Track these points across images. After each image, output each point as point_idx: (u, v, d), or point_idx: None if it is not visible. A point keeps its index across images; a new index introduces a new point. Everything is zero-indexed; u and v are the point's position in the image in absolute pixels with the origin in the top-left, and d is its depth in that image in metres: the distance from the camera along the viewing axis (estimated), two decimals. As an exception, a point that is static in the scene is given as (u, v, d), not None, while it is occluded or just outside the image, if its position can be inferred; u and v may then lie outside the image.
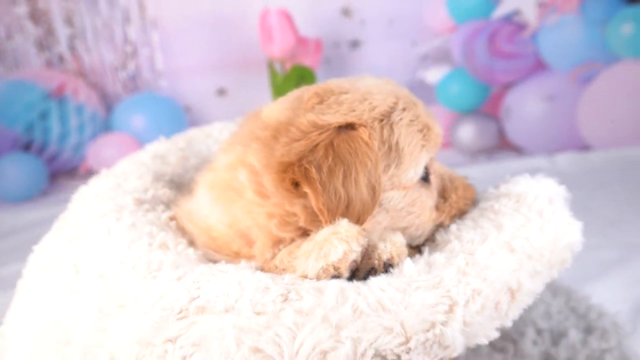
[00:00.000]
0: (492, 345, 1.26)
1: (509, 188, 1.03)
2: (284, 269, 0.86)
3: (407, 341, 0.74)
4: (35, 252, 1.06)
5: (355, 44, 2.82)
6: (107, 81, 2.89)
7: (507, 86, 2.78)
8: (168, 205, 1.12)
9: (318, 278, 0.80)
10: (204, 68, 2.86)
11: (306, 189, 0.83)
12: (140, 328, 0.77)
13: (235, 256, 0.93)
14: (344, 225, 0.81)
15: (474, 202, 1.03)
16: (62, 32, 2.81)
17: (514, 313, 0.83)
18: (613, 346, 1.24)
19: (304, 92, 0.94)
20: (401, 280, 0.79)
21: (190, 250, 0.94)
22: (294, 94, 0.96)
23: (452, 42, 2.78)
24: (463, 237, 0.90)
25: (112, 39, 2.84)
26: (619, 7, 2.59)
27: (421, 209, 0.95)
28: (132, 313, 0.80)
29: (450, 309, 0.76)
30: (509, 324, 0.83)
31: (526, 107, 2.71)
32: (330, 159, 0.83)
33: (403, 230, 0.94)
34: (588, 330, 1.30)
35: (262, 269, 0.88)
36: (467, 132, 2.78)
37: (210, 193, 0.96)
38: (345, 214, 0.83)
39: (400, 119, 0.90)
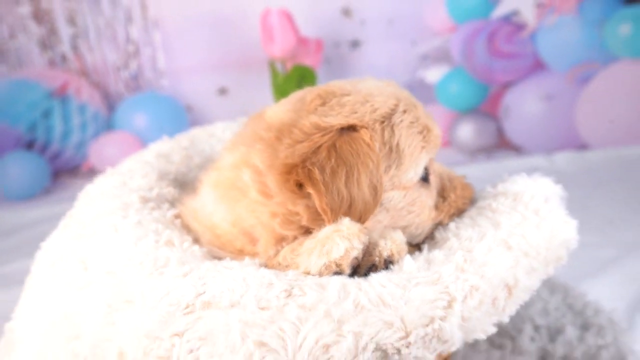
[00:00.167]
0: (491, 341, 1.28)
1: (506, 187, 1.04)
2: (287, 266, 0.87)
3: (407, 335, 0.75)
4: (43, 248, 1.07)
5: (355, 44, 2.83)
6: (110, 80, 2.90)
7: (506, 86, 2.79)
8: (173, 203, 1.13)
9: (320, 274, 0.82)
10: (205, 67, 2.87)
11: (310, 189, 0.84)
12: (148, 322, 0.79)
13: (238, 253, 0.94)
14: (345, 223, 0.83)
15: (472, 201, 1.05)
16: (64, 31, 2.82)
17: (511, 309, 0.85)
18: (609, 342, 1.25)
19: (307, 94, 0.95)
20: (401, 277, 0.80)
21: (196, 247, 0.96)
22: (296, 96, 0.97)
23: (452, 42, 2.78)
24: (461, 234, 0.92)
25: (115, 39, 2.85)
26: (617, 8, 2.60)
27: (421, 208, 0.97)
28: (140, 308, 0.81)
29: (449, 305, 0.78)
30: (505, 319, 0.85)
31: (525, 106, 2.73)
32: (333, 160, 0.84)
33: (403, 229, 0.95)
34: (585, 327, 1.31)
35: (266, 266, 0.90)
36: (467, 131, 2.79)
37: (215, 192, 0.97)
38: (347, 214, 0.84)
39: (401, 121, 0.92)
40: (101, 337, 0.83)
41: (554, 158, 2.65)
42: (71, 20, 2.81)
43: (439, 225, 1.01)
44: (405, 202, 0.94)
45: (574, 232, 0.96)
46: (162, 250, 0.91)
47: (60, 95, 2.74)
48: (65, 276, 0.95)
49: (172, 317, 0.79)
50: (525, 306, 1.35)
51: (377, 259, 0.84)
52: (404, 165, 0.92)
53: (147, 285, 0.84)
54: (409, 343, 0.75)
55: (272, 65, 2.53)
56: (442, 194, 1.02)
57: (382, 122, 0.91)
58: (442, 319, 0.77)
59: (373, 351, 0.74)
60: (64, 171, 2.88)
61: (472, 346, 1.26)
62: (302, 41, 2.48)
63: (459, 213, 1.03)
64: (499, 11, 2.72)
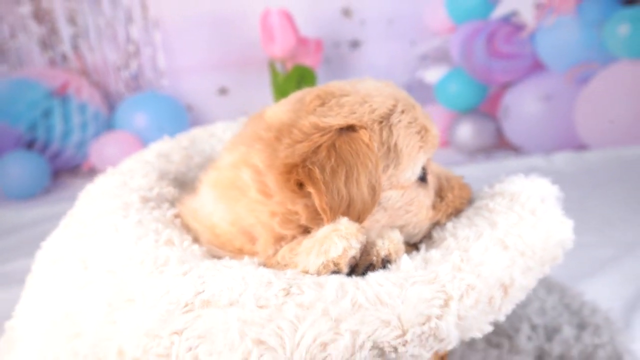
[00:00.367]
0: (488, 340, 1.29)
1: (503, 187, 1.05)
2: (285, 265, 0.88)
3: (404, 334, 0.76)
4: (43, 248, 1.08)
5: (355, 44, 2.84)
6: (110, 80, 2.91)
7: (505, 86, 2.79)
8: (173, 203, 1.14)
9: (318, 273, 0.83)
10: (206, 67, 2.87)
11: (310, 189, 0.85)
12: (147, 321, 0.80)
13: (238, 253, 0.95)
14: (343, 223, 0.84)
15: (469, 201, 1.06)
16: (65, 31, 2.83)
17: (507, 308, 0.86)
18: (605, 342, 1.26)
19: (306, 94, 0.96)
20: (398, 276, 0.81)
21: (195, 246, 0.96)
22: (296, 96, 0.98)
23: (451, 42, 2.79)
24: (458, 234, 0.93)
25: (115, 39, 2.85)
26: (616, 8, 2.60)
27: (418, 207, 0.97)
28: (140, 307, 0.82)
29: (446, 303, 0.79)
30: (502, 318, 0.85)
31: (524, 106, 2.73)
32: (332, 160, 0.85)
33: (401, 228, 0.96)
34: (581, 326, 1.32)
35: (264, 265, 0.90)
36: (466, 131, 2.80)
37: (214, 191, 0.98)
38: (346, 213, 0.85)
39: (399, 121, 0.93)
40: (101, 335, 0.83)
41: (553, 158, 2.65)
42: (72, 20, 2.82)
43: (436, 224, 1.02)
44: (403, 201, 0.95)
45: (569, 232, 0.97)
46: (162, 250, 0.92)
47: (61, 94, 2.75)
48: (66, 275, 0.95)
49: (171, 315, 0.79)
50: (523, 305, 1.36)
51: (374, 258, 0.85)
52: (402, 165, 0.92)
53: (147, 284, 0.85)
54: (406, 341, 0.76)
55: (272, 65, 2.53)
56: (439, 194, 1.02)
57: (381, 122, 0.92)
58: (439, 317, 0.77)
59: (370, 349, 0.75)
60: (64, 171, 2.88)
61: (470, 345, 1.27)
62: (302, 41, 2.48)
63: (457, 213, 1.03)
64: (498, 12, 2.72)
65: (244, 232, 0.95)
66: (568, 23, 2.64)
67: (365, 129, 0.89)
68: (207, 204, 0.99)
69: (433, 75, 2.85)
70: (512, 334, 1.30)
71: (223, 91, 2.91)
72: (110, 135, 2.80)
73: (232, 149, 0.98)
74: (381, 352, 0.75)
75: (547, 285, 1.45)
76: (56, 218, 1.16)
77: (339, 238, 0.82)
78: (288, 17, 2.41)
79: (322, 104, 0.92)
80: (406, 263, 0.84)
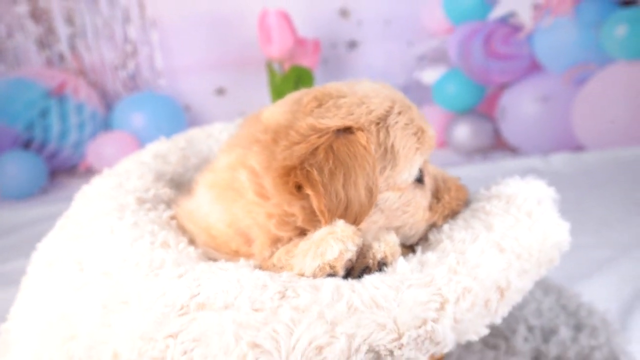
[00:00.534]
0: (484, 342, 1.29)
1: (499, 189, 1.05)
2: (281, 267, 0.88)
3: (400, 337, 0.76)
4: (39, 249, 1.08)
5: (352, 45, 2.84)
6: (107, 80, 2.90)
7: (503, 87, 2.79)
8: (169, 204, 1.14)
9: (314, 276, 0.83)
10: (203, 67, 2.87)
11: (308, 191, 0.85)
12: (143, 324, 0.79)
13: (234, 254, 0.95)
14: (340, 225, 0.84)
15: (465, 203, 1.06)
16: (62, 31, 2.82)
17: (503, 310, 0.86)
18: (602, 343, 1.26)
19: (303, 95, 0.96)
20: (394, 278, 0.81)
21: (191, 248, 0.96)
22: (293, 97, 0.98)
23: (449, 43, 2.79)
24: (454, 236, 0.93)
25: (112, 38, 2.85)
26: (613, 10, 2.61)
27: (415, 209, 0.97)
28: (135, 309, 0.82)
29: (442, 306, 0.79)
30: (498, 321, 0.85)
31: (521, 107, 2.73)
32: (330, 162, 0.85)
33: (397, 230, 0.96)
34: (578, 328, 1.32)
35: (260, 267, 0.90)
36: (463, 132, 2.80)
37: (211, 193, 0.98)
38: (343, 215, 0.85)
39: (396, 123, 0.93)
40: (96, 338, 0.83)
41: (550, 159, 2.65)
42: (69, 20, 2.81)
43: (433, 226, 1.02)
44: (400, 202, 0.95)
45: (566, 234, 0.97)
46: (158, 252, 0.92)
47: (58, 94, 2.74)
48: (61, 277, 0.95)
49: (166, 318, 0.79)
50: (519, 307, 1.36)
51: (370, 261, 0.85)
52: (399, 167, 0.93)
53: (142, 287, 0.85)
54: (402, 345, 0.76)
55: (269, 65, 2.53)
56: (436, 195, 1.02)
57: (378, 123, 0.92)
58: (435, 320, 0.77)
59: (366, 353, 0.75)
60: (61, 170, 2.88)
61: (466, 347, 1.27)
62: (299, 42, 2.48)
63: (453, 215, 1.03)
64: (496, 13, 2.72)
65: (240, 234, 0.95)
66: (565, 24, 2.64)
67: (363, 130, 0.89)
68: (204, 206, 0.99)
69: (430, 75, 2.85)
70: (509, 335, 1.30)
71: (220, 91, 2.91)
72: (108, 135, 2.80)
73: (229, 151, 0.98)
74: (377, 356, 0.75)
75: (543, 286, 1.45)
76: (53, 218, 1.16)
77: (335, 241, 0.82)
78: (286, 18, 2.41)
79: (320, 105, 0.92)
80: (402, 266, 0.84)
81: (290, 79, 2.42)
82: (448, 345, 0.79)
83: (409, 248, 0.98)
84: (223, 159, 0.98)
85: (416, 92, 2.80)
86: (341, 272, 0.83)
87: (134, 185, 1.17)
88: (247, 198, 0.92)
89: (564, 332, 1.29)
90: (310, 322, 0.76)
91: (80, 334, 0.85)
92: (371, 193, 0.87)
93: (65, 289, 0.93)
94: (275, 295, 0.79)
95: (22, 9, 2.78)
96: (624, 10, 2.61)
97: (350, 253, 0.83)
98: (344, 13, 2.80)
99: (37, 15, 2.78)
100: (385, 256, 0.86)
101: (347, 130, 0.89)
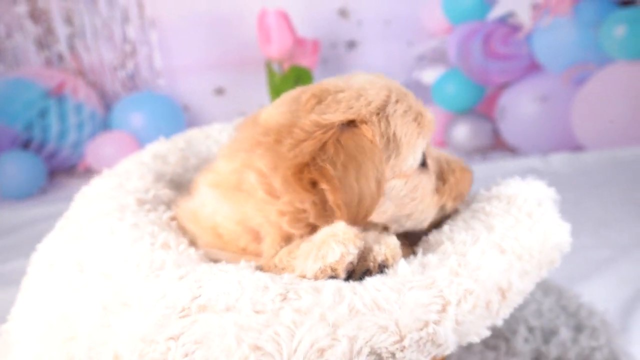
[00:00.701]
0: (485, 343, 1.29)
1: (499, 190, 1.05)
2: (282, 268, 0.88)
3: (402, 339, 0.76)
4: (39, 250, 1.08)
5: (352, 45, 2.84)
6: (106, 80, 2.90)
7: (502, 87, 2.80)
8: (169, 205, 1.14)
9: (316, 278, 0.83)
10: (202, 67, 2.87)
11: (324, 186, 0.86)
12: (143, 325, 0.79)
13: (242, 252, 0.96)
14: (341, 227, 0.84)
15: (471, 184, 1.07)
16: (61, 31, 2.82)
17: (505, 312, 0.86)
18: (602, 344, 1.26)
19: (301, 94, 0.96)
20: (396, 281, 0.81)
21: (192, 250, 0.96)
22: (289, 96, 0.98)
23: (448, 43, 2.79)
24: (455, 238, 0.93)
25: (111, 38, 2.84)
26: (612, 10, 2.61)
27: (423, 194, 0.98)
28: (136, 311, 0.82)
29: (443, 308, 0.79)
30: (499, 323, 0.85)
31: (520, 107, 2.73)
32: (341, 156, 0.86)
33: (408, 217, 0.98)
34: (578, 329, 1.32)
35: (261, 268, 0.91)
36: (462, 131, 2.80)
37: (215, 192, 0.98)
38: (357, 208, 0.86)
39: (395, 111, 0.94)
40: (97, 339, 0.83)
41: (549, 159, 2.66)
42: (68, 20, 2.81)
43: (443, 212, 1.03)
44: (407, 189, 0.96)
45: (567, 235, 0.97)
46: (158, 253, 0.92)
47: (57, 94, 2.74)
48: (61, 278, 0.95)
49: (167, 320, 0.79)
50: (519, 308, 1.36)
51: (371, 264, 0.85)
52: (403, 154, 0.93)
53: (143, 288, 0.85)
54: (404, 347, 0.76)
55: (268, 65, 2.53)
56: (441, 178, 1.03)
57: (378, 114, 0.92)
58: (436, 322, 0.77)
59: (368, 355, 0.75)
60: (60, 171, 2.87)
61: (467, 348, 1.27)
62: (299, 42, 2.48)
63: (462, 197, 1.05)
64: (495, 13, 2.72)
65: (249, 231, 0.95)
66: (564, 24, 2.64)
67: (367, 123, 0.90)
68: (208, 204, 0.99)
69: (430, 75, 2.85)
70: (509, 336, 1.30)
71: (220, 91, 2.90)
72: (107, 135, 2.80)
73: (231, 156, 0.98)
74: (379, 358, 0.76)
75: (544, 287, 1.45)
76: (52, 218, 1.16)
77: (337, 243, 0.82)
78: (285, 18, 2.41)
79: (319, 102, 0.93)
80: (403, 268, 0.84)
81: (290, 79, 2.42)
82: (450, 347, 0.79)
83: (409, 250, 0.98)
84: (226, 164, 0.98)
85: (415, 92, 2.75)
86: (342, 275, 0.83)
87: (134, 185, 1.17)
88: (257, 197, 0.92)
89: (565, 333, 1.29)
90: (312, 324, 0.76)
91: (81, 335, 0.85)
92: (379, 184, 0.89)
93: (65, 290, 0.93)
94: (277, 297, 0.79)
95: (21, 9, 2.77)
96: (623, 10, 2.61)
97: (352, 256, 0.83)
98: (343, 13, 2.79)
99: (36, 15, 2.78)
100: (386, 259, 0.86)
101: (351, 123, 0.90)
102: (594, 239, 1.88)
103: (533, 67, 2.74)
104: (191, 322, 0.78)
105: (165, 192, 1.18)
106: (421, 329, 0.77)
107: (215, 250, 0.97)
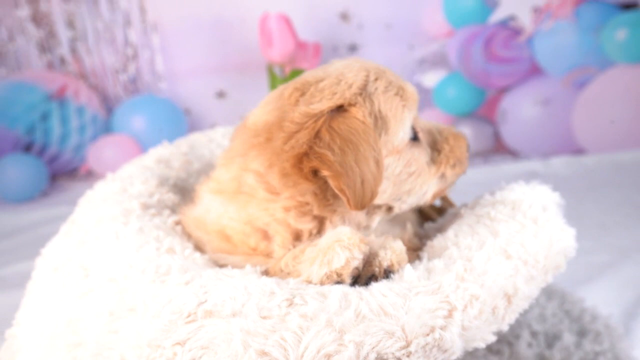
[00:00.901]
0: (488, 347, 1.28)
1: (504, 195, 1.06)
2: (288, 273, 0.88)
3: (408, 345, 0.76)
4: (44, 254, 1.08)
5: (353, 48, 2.84)
6: (108, 83, 2.91)
7: (503, 90, 2.80)
8: (173, 209, 1.14)
9: (322, 283, 0.83)
10: (204, 71, 2.87)
11: (325, 172, 0.86)
12: (150, 331, 0.79)
13: (252, 253, 0.96)
14: (346, 232, 0.84)
15: (468, 148, 1.07)
16: (63, 34, 2.82)
17: (511, 317, 0.86)
18: (606, 349, 1.26)
19: (283, 90, 0.97)
20: (402, 286, 0.81)
21: (197, 254, 0.96)
22: (272, 96, 0.99)
23: (449, 47, 2.80)
24: (460, 243, 0.93)
25: (113, 42, 2.85)
26: (613, 13, 2.62)
27: (418, 167, 0.99)
28: (142, 316, 0.82)
29: (449, 314, 0.79)
30: (505, 328, 0.85)
31: (521, 111, 2.74)
32: (337, 140, 0.87)
33: (408, 193, 0.98)
34: (582, 333, 1.32)
35: (267, 273, 0.91)
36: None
37: (219, 197, 0.99)
38: (361, 191, 0.87)
39: (376, 89, 0.95)
40: (103, 344, 0.83)
41: (550, 162, 2.66)
42: (70, 24, 2.81)
43: (443, 183, 1.03)
44: (402, 165, 0.96)
45: (572, 240, 0.97)
46: (164, 258, 0.92)
47: (59, 97, 2.74)
48: (66, 283, 0.95)
49: (174, 325, 0.79)
50: (523, 312, 1.35)
51: (377, 269, 0.85)
52: (391, 129, 0.94)
53: (149, 293, 0.85)
54: (410, 352, 0.76)
55: (270, 69, 2.53)
56: (435, 148, 1.03)
57: (360, 94, 0.93)
58: (443, 328, 0.77)
59: (374, 360, 0.75)
60: (62, 174, 2.88)
61: (470, 353, 1.26)
62: (300, 45, 2.48)
63: (460, 164, 1.05)
64: (496, 16, 2.73)
65: (258, 230, 0.96)
66: (566, 28, 2.65)
67: (355, 105, 0.91)
68: (213, 210, 1.00)
69: (431, 79, 2.86)
70: (513, 341, 1.30)
71: (221, 95, 2.91)
72: (108, 138, 2.80)
73: (228, 163, 0.99)
74: (385, 364, 0.75)
75: (547, 291, 1.45)
76: (54, 221, 1.15)
77: (342, 249, 0.83)
78: (287, 22, 2.42)
79: (303, 94, 0.94)
80: (409, 273, 0.84)
81: (291, 82, 2.42)
82: (456, 352, 0.79)
83: (415, 254, 0.98)
84: (224, 171, 0.99)
85: (417, 95, 2.80)
86: (348, 280, 0.84)
87: (138, 190, 1.16)
88: (259, 197, 0.93)
89: (568, 338, 1.29)
90: (319, 329, 0.75)
91: (87, 340, 0.85)
92: (378, 163, 0.89)
93: (71, 294, 0.93)
94: (283, 303, 0.79)
95: (24, 12, 2.78)
96: (624, 14, 2.62)
97: (357, 261, 0.84)
98: (344, 17, 2.80)
99: (38, 19, 2.78)
100: (392, 264, 0.86)
101: (340, 108, 0.91)
102: (595, 242, 1.88)
103: (534, 71, 2.74)
104: (197, 328, 0.78)
105: (169, 197, 1.18)
106: (427, 335, 0.77)
107: (223, 255, 0.97)
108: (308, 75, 0.98)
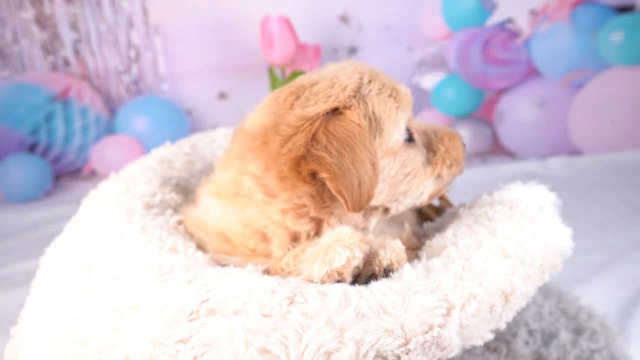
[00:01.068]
0: (486, 345, 1.29)
1: (502, 195, 1.07)
2: (289, 272, 0.89)
3: (407, 343, 0.76)
4: (48, 253, 1.09)
5: (352, 50, 2.85)
6: (111, 84, 2.92)
7: (501, 92, 2.81)
8: (176, 209, 1.15)
9: (322, 282, 0.84)
10: (205, 72, 2.88)
11: (323, 174, 0.87)
12: (153, 329, 0.80)
13: (251, 254, 0.97)
14: (346, 232, 0.85)
15: (463, 147, 1.07)
16: (67, 36, 2.83)
17: (508, 315, 0.87)
18: (602, 346, 1.27)
19: (278, 94, 0.98)
20: (401, 285, 0.82)
21: (199, 253, 0.97)
22: (268, 100, 1.00)
23: (447, 49, 2.81)
24: (459, 242, 0.94)
25: (116, 44, 2.86)
26: (610, 16, 2.63)
27: (414, 169, 0.99)
28: (145, 314, 0.83)
29: (448, 312, 0.80)
30: (503, 326, 0.86)
31: (519, 112, 2.75)
32: (334, 143, 0.87)
33: (404, 194, 0.99)
34: (578, 331, 1.33)
35: (268, 272, 0.92)
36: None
37: (219, 199, 0.99)
38: (358, 193, 0.87)
39: (370, 91, 0.95)
40: (107, 342, 0.84)
41: (547, 163, 2.68)
42: (73, 26, 2.82)
43: (440, 180, 1.03)
44: (397, 166, 0.97)
45: (568, 239, 0.98)
46: (167, 257, 0.93)
47: (62, 99, 2.75)
48: (71, 281, 0.96)
49: (176, 323, 0.80)
50: (520, 311, 1.36)
51: (377, 268, 0.86)
52: (386, 131, 0.95)
53: (152, 292, 0.86)
54: (409, 350, 0.76)
55: (271, 71, 2.54)
56: (430, 148, 1.04)
57: (354, 97, 0.94)
58: (441, 326, 0.78)
59: (374, 358, 0.75)
60: (65, 174, 2.89)
61: (468, 350, 1.28)
62: (301, 47, 2.50)
63: (457, 164, 1.05)
64: (494, 19, 2.74)
65: (256, 232, 0.96)
66: (562, 30, 2.66)
67: (350, 108, 0.91)
68: (212, 212, 1.01)
69: (430, 81, 2.87)
70: (510, 339, 1.31)
71: (222, 96, 2.92)
72: (111, 138, 2.81)
73: (226, 167, 1.00)
74: (385, 361, 0.76)
75: (544, 290, 1.46)
76: (58, 221, 1.16)
77: (343, 248, 0.83)
78: (287, 24, 2.43)
79: (298, 98, 0.95)
80: (409, 272, 0.85)
81: (291, 84, 2.43)
82: (454, 350, 0.80)
83: (414, 253, 0.99)
84: (223, 174, 1.00)
85: (415, 97, 2.78)
86: (348, 279, 0.85)
87: (141, 190, 1.17)
88: (257, 199, 0.94)
89: (564, 336, 1.30)
90: (319, 327, 0.76)
91: (91, 338, 0.86)
92: (374, 165, 0.90)
93: (75, 293, 0.94)
94: (284, 301, 0.80)
95: (28, 14, 2.79)
96: (620, 17, 2.63)
97: (358, 260, 0.84)
98: (344, 19, 2.81)
99: (42, 21, 2.79)
100: (391, 263, 0.87)
101: (335, 111, 0.91)
102: (591, 241, 1.89)
103: (531, 73, 2.76)
104: (200, 325, 0.79)
105: (172, 196, 1.19)
106: (426, 332, 0.77)
107: (224, 255, 0.98)
108: (302, 79, 0.99)
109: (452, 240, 0.96)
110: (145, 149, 2.66)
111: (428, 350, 0.77)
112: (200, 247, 1.02)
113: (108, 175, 1.28)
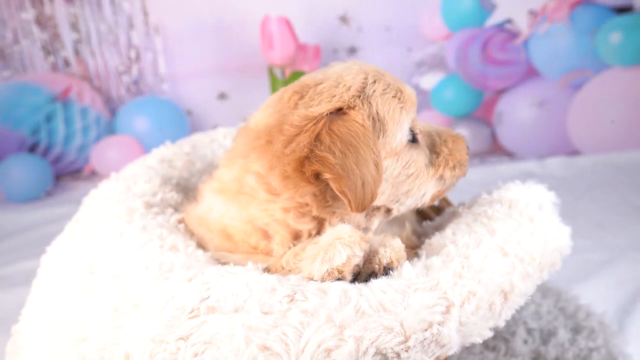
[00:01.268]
0: (485, 343, 1.30)
1: (501, 194, 1.07)
2: (289, 270, 0.90)
3: (406, 340, 0.77)
4: (49, 252, 1.09)
5: (352, 51, 2.86)
6: (111, 85, 2.92)
7: (500, 92, 2.82)
8: (176, 208, 1.15)
9: (323, 280, 0.84)
10: (205, 73, 2.88)
11: (327, 175, 0.87)
12: (154, 326, 0.81)
13: (253, 251, 0.97)
14: (347, 230, 0.86)
15: (467, 150, 1.07)
16: (67, 36, 2.84)
17: (507, 313, 0.87)
18: (600, 345, 1.28)
19: (282, 93, 0.98)
20: (401, 283, 0.83)
21: (200, 252, 0.98)
22: (272, 99, 1.00)
23: (447, 49, 2.81)
24: (458, 241, 0.94)
25: (116, 44, 2.87)
26: (608, 17, 2.64)
27: (417, 169, 0.99)
28: (146, 312, 0.83)
29: (447, 310, 0.80)
30: (502, 324, 0.87)
31: (518, 112, 2.76)
32: (338, 143, 0.87)
33: (406, 194, 0.99)
34: (576, 330, 1.34)
35: (268, 270, 0.92)
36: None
37: (221, 197, 1.00)
38: (361, 193, 0.87)
39: (374, 91, 0.95)
40: (108, 340, 0.84)
41: (546, 163, 2.68)
42: (74, 26, 2.82)
43: (443, 181, 1.03)
44: (400, 167, 0.97)
45: (567, 238, 0.99)
46: (167, 255, 0.93)
47: (63, 99, 2.75)
48: (72, 280, 0.96)
49: (177, 321, 0.80)
50: (519, 309, 1.37)
51: (377, 266, 0.87)
52: (389, 131, 0.95)
53: (152, 290, 0.86)
54: (408, 347, 0.77)
55: (271, 71, 2.55)
56: (434, 150, 1.04)
57: (359, 97, 0.94)
58: (441, 323, 0.79)
59: (373, 355, 0.76)
60: (66, 174, 2.89)
61: (467, 349, 1.28)
62: (300, 47, 2.50)
63: (460, 166, 1.05)
64: (493, 19, 2.75)
65: (258, 229, 0.97)
66: (561, 31, 2.67)
67: (354, 108, 0.91)
68: (215, 209, 1.01)
69: (429, 81, 2.87)
70: (508, 338, 1.31)
71: (222, 96, 2.92)
72: (112, 139, 2.81)
73: (229, 164, 1.00)
74: (384, 358, 0.77)
75: (542, 289, 1.47)
76: (58, 220, 1.16)
77: (343, 246, 0.84)
78: (287, 24, 2.43)
79: (302, 97, 0.95)
80: (408, 270, 0.86)
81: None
82: (453, 347, 0.80)
83: (414, 252, 1.00)
84: (226, 172, 1.01)
85: (415, 97, 2.81)
86: (349, 277, 0.85)
87: (142, 189, 1.18)
88: (260, 198, 0.95)
89: (563, 335, 1.31)
90: (319, 325, 0.77)
91: (92, 336, 0.87)
92: (377, 166, 0.90)
93: (76, 291, 0.94)
94: (284, 299, 0.80)
95: (28, 15, 2.79)
96: (619, 17, 2.64)
97: (358, 258, 0.85)
98: (344, 20, 2.82)
99: (43, 21, 2.79)
100: (391, 261, 0.87)
101: (339, 111, 0.91)
102: (590, 241, 1.89)
103: (530, 73, 2.76)
104: (200, 323, 0.80)
105: (172, 196, 1.20)
106: (426, 330, 0.78)
107: (225, 253, 0.99)
108: (307, 79, 0.99)
109: (451, 239, 0.96)
110: (146, 149, 2.66)
111: (427, 347, 0.78)
112: (201, 245, 1.03)
113: (108, 175, 1.28)
